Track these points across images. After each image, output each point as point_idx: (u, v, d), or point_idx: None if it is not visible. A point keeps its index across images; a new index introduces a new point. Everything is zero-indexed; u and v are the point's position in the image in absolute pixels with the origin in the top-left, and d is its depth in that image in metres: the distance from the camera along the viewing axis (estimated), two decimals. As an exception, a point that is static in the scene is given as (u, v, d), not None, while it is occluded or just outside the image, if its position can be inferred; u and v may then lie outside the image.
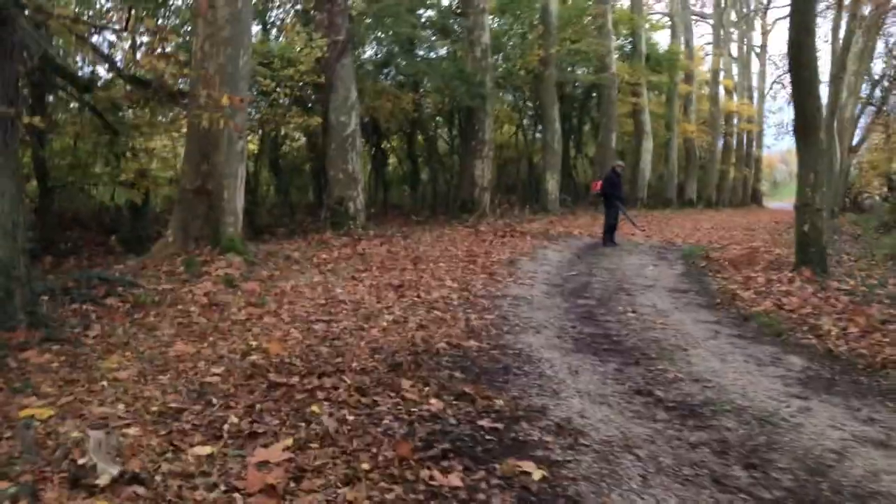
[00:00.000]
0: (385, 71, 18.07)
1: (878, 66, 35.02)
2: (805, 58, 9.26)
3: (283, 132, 15.62)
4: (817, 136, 9.53)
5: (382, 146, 19.42)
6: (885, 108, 36.50)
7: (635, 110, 29.39)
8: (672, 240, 16.37)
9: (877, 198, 39.00)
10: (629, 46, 29.69)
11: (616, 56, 26.42)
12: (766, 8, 50.42)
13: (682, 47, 35.19)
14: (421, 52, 19.50)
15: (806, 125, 9.49)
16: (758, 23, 50.33)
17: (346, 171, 12.48)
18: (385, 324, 5.93)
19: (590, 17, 25.39)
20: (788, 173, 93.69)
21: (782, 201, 62.91)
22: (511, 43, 21.42)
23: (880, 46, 31.87)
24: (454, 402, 3.96)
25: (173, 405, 3.90)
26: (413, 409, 3.82)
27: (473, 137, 17.34)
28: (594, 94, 29.64)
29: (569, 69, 23.69)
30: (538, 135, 29.52)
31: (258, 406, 3.88)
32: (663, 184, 34.00)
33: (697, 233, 18.78)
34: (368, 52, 18.63)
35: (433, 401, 3.94)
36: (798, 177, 9.94)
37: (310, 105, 14.40)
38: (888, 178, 38.58)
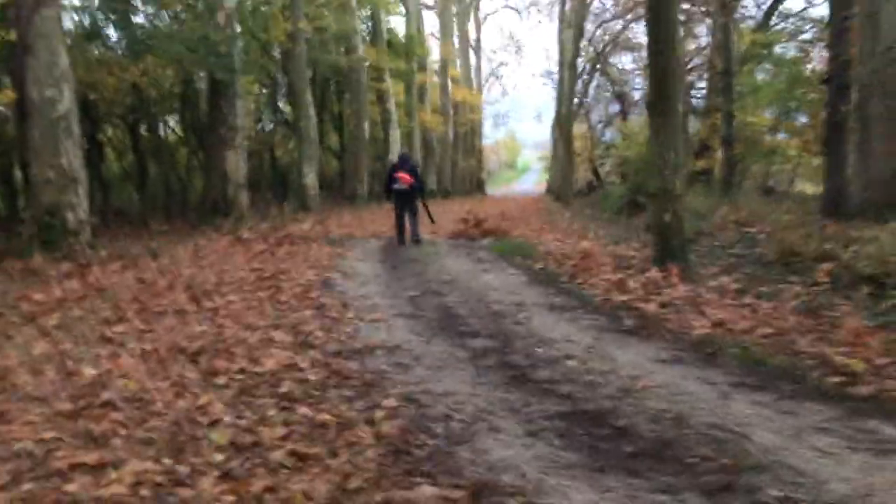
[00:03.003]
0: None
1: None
2: (664, 14, 7.76)
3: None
4: (675, 109, 8.13)
5: (97, 137, 15.09)
6: (584, 100, 39.27)
7: (380, 97, 27.54)
8: (454, 233, 14.68)
9: (580, 183, 41.55)
10: (369, 29, 27.72)
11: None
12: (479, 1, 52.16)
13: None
14: (139, 20, 15.55)
15: (663, 97, 8.02)
16: (472, 17, 51.76)
17: (61, 169, 8.64)
18: (221, 458, 3.02)
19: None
20: (498, 162, 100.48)
21: (498, 189, 66.48)
22: (255, 12, 18.13)
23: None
24: None
25: None
26: None
27: (222, 123, 13.94)
28: (331, 81, 27.29)
29: (319, 48, 21.01)
30: (270, 125, 26.57)
31: None
32: (407, 174, 32.74)
33: (465, 224, 17.31)
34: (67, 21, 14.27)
35: None
36: (652, 158, 8.50)
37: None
38: (593, 165, 41.66)
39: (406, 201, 12.08)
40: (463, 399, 3.87)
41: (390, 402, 3.72)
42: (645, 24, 9.62)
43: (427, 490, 2.69)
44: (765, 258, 10.27)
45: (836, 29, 13.14)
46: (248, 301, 6.49)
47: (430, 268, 9.36)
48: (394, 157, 27.56)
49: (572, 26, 27.91)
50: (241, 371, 4.25)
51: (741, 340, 5.21)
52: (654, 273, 8.12)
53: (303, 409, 3.55)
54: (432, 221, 14.19)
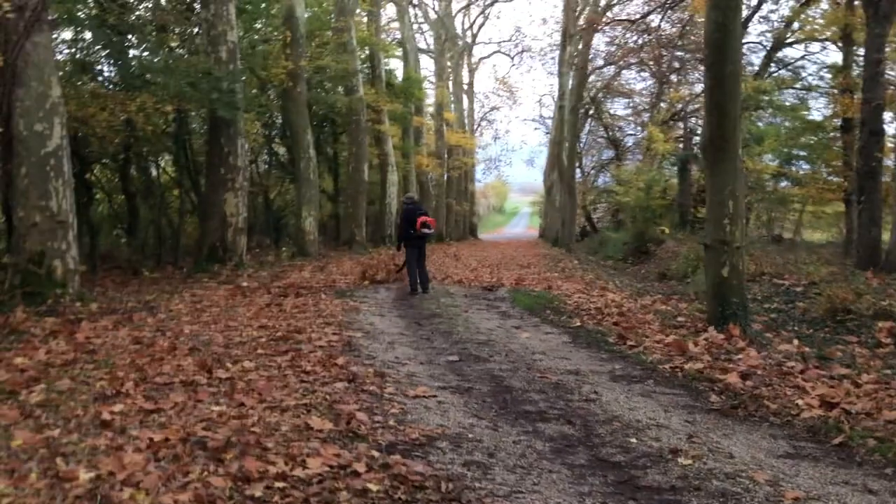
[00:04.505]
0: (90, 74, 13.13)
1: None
2: (729, 48, 7.06)
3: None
4: (735, 152, 7.39)
5: (87, 177, 14.17)
6: (578, 145, 38.94)
7: (378, 140, 26.85)
8: (464, 281, 14.01)
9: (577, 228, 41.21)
10: (367, 70, 27.15)
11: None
12: (473, 45, 52.29)
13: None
14: (136, 52, 14.80)
15: (722, 138, 7.30)
16: (466, 61, 51.80)
17: (48, 212, 7.74)
18: None
19: (332, 33, 22.46)
20: (487, 206, 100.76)
21: (488, 233, 66.53)
22: (254, 49, 17.47)
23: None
24: None
25: None
26: None
27: (222, 164, 13.11)
28: (326, 122, 26.51)
29: (318, 88, 20.36)
30: (265, 166, 25.68)
31: None
32: (403, 219, 31.90)
33: (473, 272, 16.65)
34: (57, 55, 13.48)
35: None
36: (709, 206, 7.73)
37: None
38: (586, 211, 41.36)
39: (422, 247, 11.41)
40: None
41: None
42: (703, 58, 8.97)
43: None
44: (809, 314, 9.50)
45: (869, 73, 12.63)
46: (267, 369, 5.56)
47: (456, 324, 8.47)
48: (391, 200, 26.81)
49: (575, 70, 27.49)
50: (281, 476, 3.32)
51: (868, 427, 4.36)
52: (714, 334, 7.29)
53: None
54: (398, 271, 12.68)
